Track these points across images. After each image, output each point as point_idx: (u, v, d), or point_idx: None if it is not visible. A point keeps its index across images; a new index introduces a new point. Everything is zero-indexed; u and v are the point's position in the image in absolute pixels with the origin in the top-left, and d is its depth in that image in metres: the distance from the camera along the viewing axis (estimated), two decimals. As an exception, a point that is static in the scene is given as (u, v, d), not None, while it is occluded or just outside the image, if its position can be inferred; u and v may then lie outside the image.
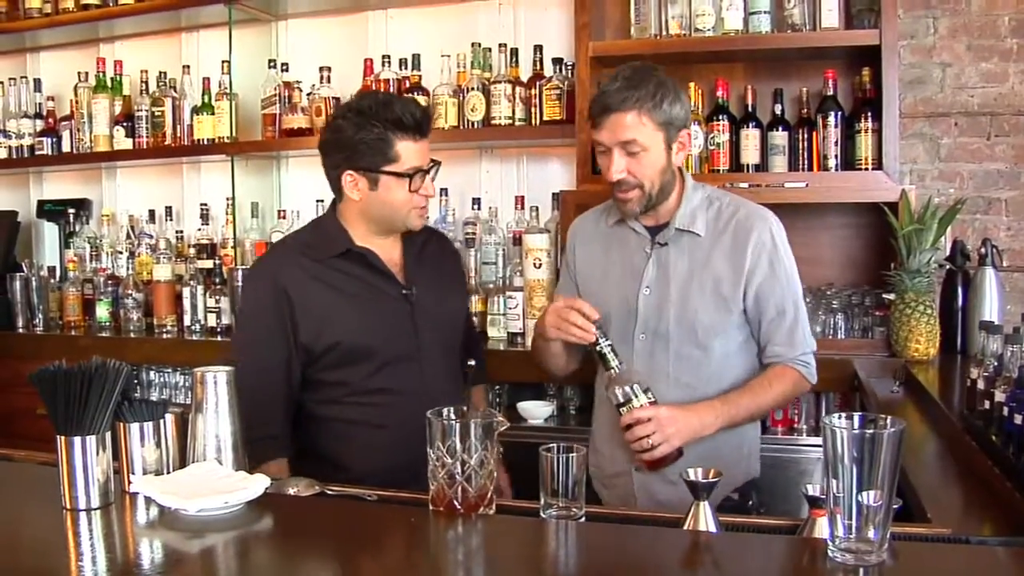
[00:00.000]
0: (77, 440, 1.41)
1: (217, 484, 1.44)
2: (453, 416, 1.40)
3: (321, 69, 3.51)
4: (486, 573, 1.27)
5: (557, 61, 3.33)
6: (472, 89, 3.35)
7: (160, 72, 3.77)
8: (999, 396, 1.68)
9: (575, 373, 3.07)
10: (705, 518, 1.34)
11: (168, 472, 1.54)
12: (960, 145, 3.24)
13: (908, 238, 2.66)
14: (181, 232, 3.87)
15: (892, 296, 2.78)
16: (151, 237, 3.83)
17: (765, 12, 3.02)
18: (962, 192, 3.20)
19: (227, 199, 3.72)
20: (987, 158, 3.22)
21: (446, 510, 1.38)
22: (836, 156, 3.01)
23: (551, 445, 1.40)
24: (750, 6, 3.02)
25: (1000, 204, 3.21)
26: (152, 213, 3.93)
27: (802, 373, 2.16)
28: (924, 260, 2.66)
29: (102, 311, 3.69)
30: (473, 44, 3.41)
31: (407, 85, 3.43)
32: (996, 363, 1.77)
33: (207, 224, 3.79)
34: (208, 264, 3.67)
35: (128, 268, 3.72)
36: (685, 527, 1.35)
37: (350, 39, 3.72)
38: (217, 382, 1.55)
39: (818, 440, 2.85)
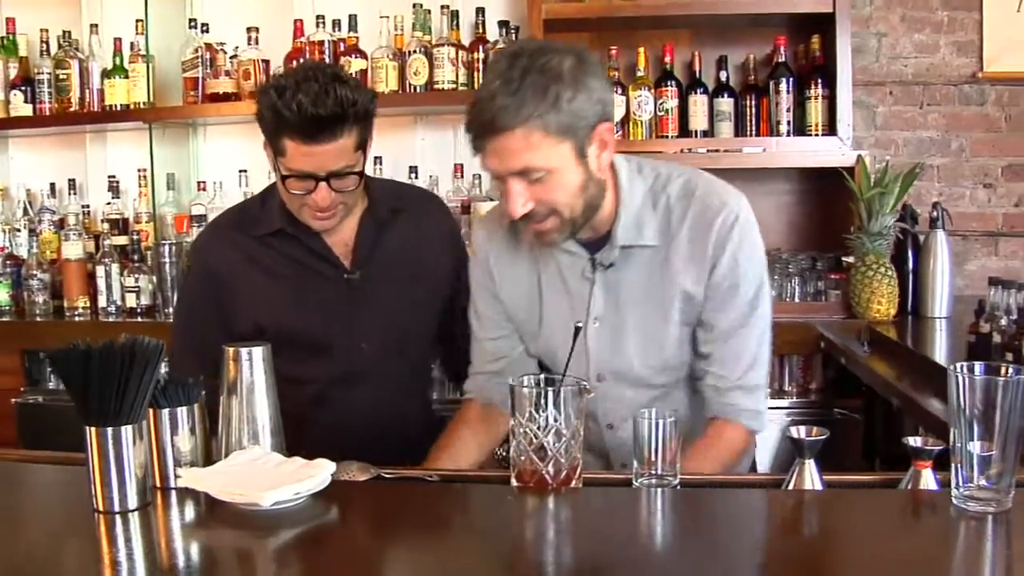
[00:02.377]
0: (110, 431, 1.23)
1: (278, 473, 1.29)
2: (540, 383, 1.32)
3: (249, 30, 3.28)
4: (601, 546, 1.18)
5: (503, 24, 3.24)
6: (414, 52, 3.21)
7: (63, 32, 3.44)
8: (1030, 350, 1.72)
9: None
10: (811, 477, 1.29)
11: (201, 463, 1.37)
12: (895, 113, 3.34)
13: (870, 202, 2.71)
14: (87, 207, 3.56)
15: (851, 259, 2.84)
16: (53, 212, 3.51)
17: (717, -24, 3.03)
18: (897, 159, 3.30)
19: (139, 170, 3.45)
20: (920, 126, 3.34)
21: (537, 487, 1.29)
22: (789, 122, 3.04)
23: (644, 411, 1.32)
24: (701, -29, 3.02)
25: (932, 171, 3.32)
26: (53, 187, 3.59)
27: (745, 425, 1.66)
28: (886, 223, 2.72)
29: (2, 294, 3.35)
30: (415, 5, 3.26)
31: (342, 48, 3.26)
32: (1016, 317, 1.81)
33: (117, 197, 3.50)
34: (122, 240, 3.39)
35: (30, 247, 3.39)
36: (789, 487, 1.30)
37: (275, -3, 3.49)
38: (252, 359, 1.40)
39: (781, 403, 2.91)
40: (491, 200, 3.23)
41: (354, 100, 1.76)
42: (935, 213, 2.87)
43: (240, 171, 3.45)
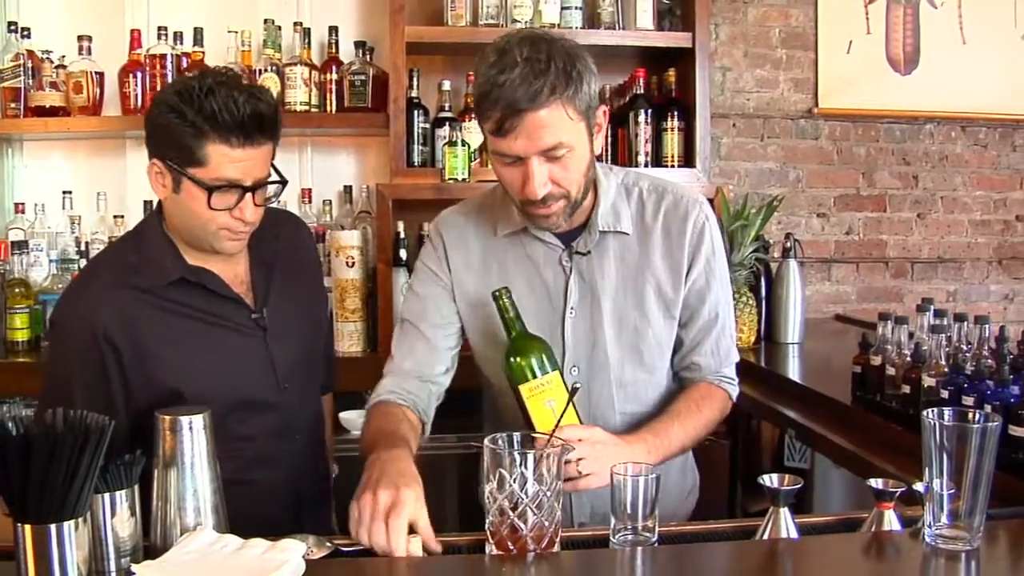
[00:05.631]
0: (52, 529, 1.04)
1: (244, 561, 1.14)
2: (517, 444, 1.25)
3: (80, 38, 2.99)
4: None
5: (360, 44, 3.12)
6: (265, 71, 3.04)
7: None
8: (928, 381, 1.80)
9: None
10: (787, 524, 1.29)
11: (141, 548, 1.20)
12: (738, 144, 3.50)
13: (732, 234, 2.80)
14: None
15: (713, 288, 2.92)
16: None
17: (577, 8, 3.05)
18: (740, 188, 3.45)
19: (-58, 190, 3.07)
20: (760, 157, 3.51)
21: (520, 551, 1.22)
22: (647, 153, 3.10)
23: (621, 466, 1.28)
24: (564, 1, 3.03)
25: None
26: None
27: (729, 393, 1.80)
28: (746, 254, 2.82)
29: None
30: (265, 20, 3.09)
31: (187, 63, 3.03)
32: (912, 350, 1.91)
33: (-83, 220, 3.10)
34: (-73, 269, 3.00)
35: None
36: (764, 535, 1.29)
37: (107, 3, 3.19)
38: (193, 429, 1.24)
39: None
40: (343, 228, 3.11)
41: (275, 101, 1.67)
42: (788, 244, 3.01)
43: (64, 192, 3.15)
